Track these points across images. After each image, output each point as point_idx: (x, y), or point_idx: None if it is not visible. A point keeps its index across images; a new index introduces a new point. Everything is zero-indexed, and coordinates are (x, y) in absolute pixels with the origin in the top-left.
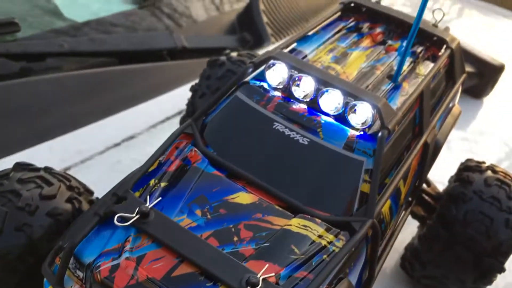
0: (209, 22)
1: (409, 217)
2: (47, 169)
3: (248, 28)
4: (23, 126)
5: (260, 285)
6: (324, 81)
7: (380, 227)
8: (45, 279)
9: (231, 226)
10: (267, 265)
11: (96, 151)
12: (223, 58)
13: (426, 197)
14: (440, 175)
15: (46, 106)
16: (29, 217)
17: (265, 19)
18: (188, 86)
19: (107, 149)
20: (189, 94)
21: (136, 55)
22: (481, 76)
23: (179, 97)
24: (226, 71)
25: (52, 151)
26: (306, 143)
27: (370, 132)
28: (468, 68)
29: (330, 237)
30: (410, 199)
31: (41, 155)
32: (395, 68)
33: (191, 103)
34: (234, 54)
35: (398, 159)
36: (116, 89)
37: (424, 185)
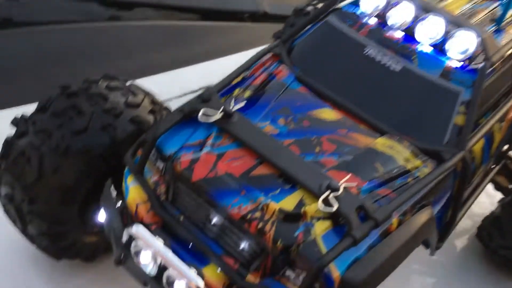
0: None
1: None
2: (133, 83)
3: None
4: (109, 67)
5: (341, 191)
6: (425, 7)
7: (470, 165)
8: (125, 169)
9: (313, 137)
10: (349, 175)
11: (174, 95)
12: (309, 7)
13: None
14: None
15: (131, 50)
16: (114, 119)
17: None
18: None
19: (185, 94)
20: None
21: (218, 13)
22: None
23: None
24: None
25: None
26: (399, 69)
27: (470, 65)
28: None
29: (417, 162)
30: (494, 165)
31: None
32: (498, 14)
33: None
34: (320, 5)
35: (495, 103)
36: (196, 42)
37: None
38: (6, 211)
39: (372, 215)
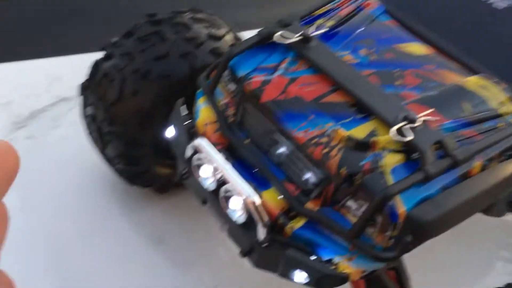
0: None
1: None
2: (221, 17)
3: None
4: None
5: (418, 123)
6: None
7: None
8: (197, 92)
9: (396, 70)
10: (431, 110)
11: None
12: None
13: None
14: None
15: (225, 5)
16: (194, 48)
17: None
18: None
19: None
20: None
21: None
22: None
23: None
24: None
25: None
26: (503, 7)
27: None
28: None
29: None
30: None
31: None
32: None
33: None
34: None
35: None
36: (272, 5)
37: None
38: (90, 132)
39: (451, 152)
